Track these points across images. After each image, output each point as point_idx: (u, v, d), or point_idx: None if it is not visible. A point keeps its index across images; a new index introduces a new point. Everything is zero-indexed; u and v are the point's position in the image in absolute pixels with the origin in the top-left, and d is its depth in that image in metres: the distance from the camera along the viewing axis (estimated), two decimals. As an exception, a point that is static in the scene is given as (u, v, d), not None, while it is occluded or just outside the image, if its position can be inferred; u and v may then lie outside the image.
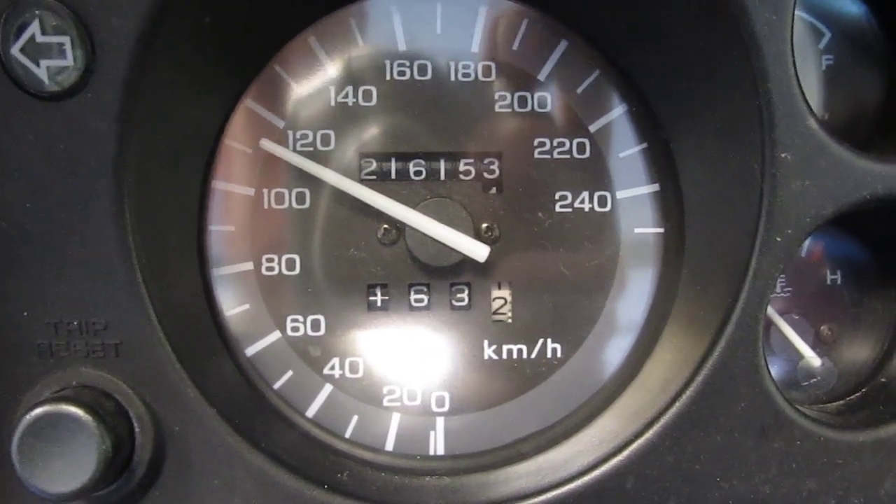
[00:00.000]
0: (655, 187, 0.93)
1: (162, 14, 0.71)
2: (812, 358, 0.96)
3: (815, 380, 0.97)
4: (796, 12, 0.91)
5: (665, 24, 0.83)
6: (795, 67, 0.76)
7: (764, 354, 0.81)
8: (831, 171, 0.78)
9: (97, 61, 0.71)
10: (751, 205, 0.79)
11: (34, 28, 0.68)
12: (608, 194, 0.94)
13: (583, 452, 0.86)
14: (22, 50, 0.69)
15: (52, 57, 0.70)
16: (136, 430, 0.76)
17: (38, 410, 0.70)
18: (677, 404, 0.81)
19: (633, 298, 0.95)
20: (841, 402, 0.95)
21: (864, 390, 0.95)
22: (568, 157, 0.93)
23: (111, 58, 0.71)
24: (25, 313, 0.75)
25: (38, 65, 0.70)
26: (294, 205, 0.92)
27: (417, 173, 0.93)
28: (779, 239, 0.79)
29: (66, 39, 0.69)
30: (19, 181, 0.74)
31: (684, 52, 0.83)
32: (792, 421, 0.81)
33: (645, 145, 0.93)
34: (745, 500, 0.82)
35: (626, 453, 0.81)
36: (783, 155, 0.77)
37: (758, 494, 0.82)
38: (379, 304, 0.94)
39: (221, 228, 0.91)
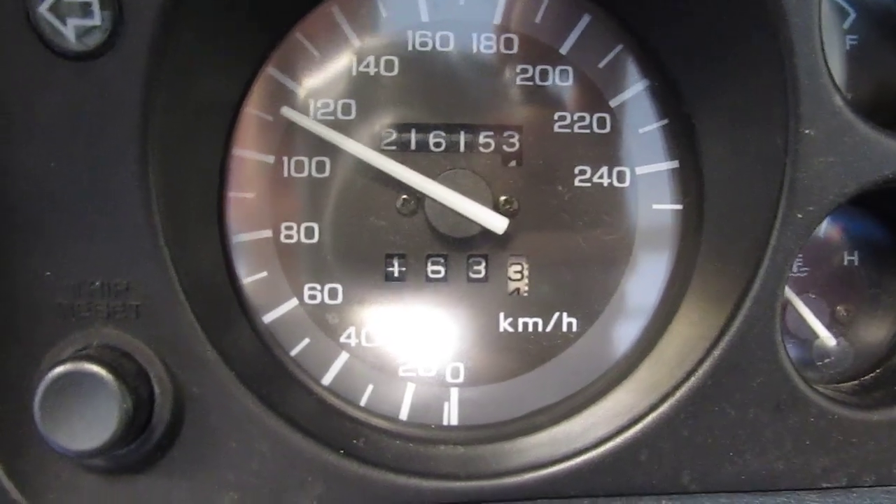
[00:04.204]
0: (675, 164, 0.94)
1: None
2: (827, 338, 0.97)
3: (829, 359, 0.98)
4: None
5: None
6: (822, 43, 0.75)
7: (781, 332, 0.81)
8: (855, 149, 0.78)
9: (124, 22, 0.71)
10: (772, 181, 0.80)
11: None
12: (627, 170, 0.94)
13: (597, 425, 0.86)
14: (50, 8, 0.69)
15: (79, 16, 0.70)
16: (156, 390, 0.77)
17: (60, 369, 0.71)
18: (693, 378, 0.82)
19: (649, 274, 0.96)
20: (855, 381, 0.96)
21: (878, 371, 0.96)
22: (588, 131, 0.94)
23: (138, 19, 0.71)
24: (48, 273, 0.76)
25: (65, 24, 0.70)
26: (314, 173, 0.92)
27: (437, 144, 0.93)
28: (800, 216, 0.79)
29: (93, 2, 0.69)
30: (44, 141, 0.74)
31: (709, 27, 0.83)
32: (807, 399, 0.82)
33: (665, 121, 0.94)
34: (758, 475, 0.82)
35: (640, 426, 0.82)
36: (807, 131, 0.77)
37: (771, 470, 0.82)
38: (396, 274, 0.94)
39: (241, 195, 0.92)
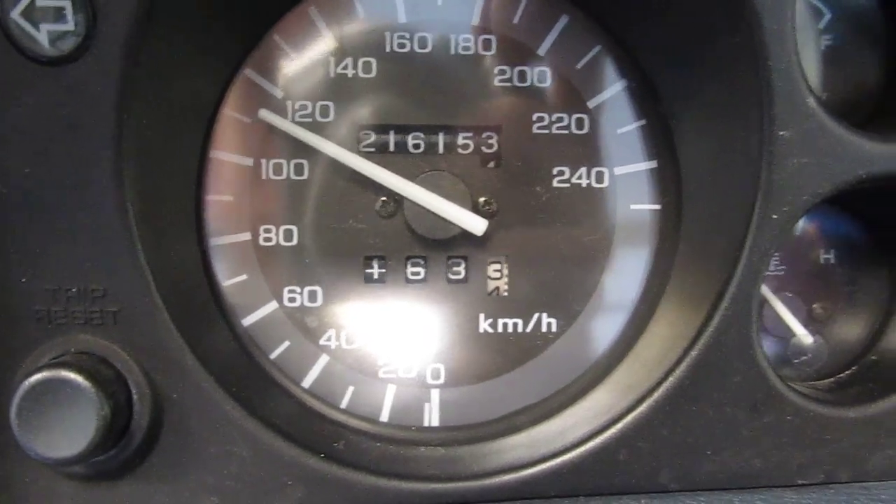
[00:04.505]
0: (653, 164, 0.94)
1: None
2: (804, 336, 0.98)
3: (806, 357, 0.99)
4: None
5: (665, 1, 0.83)
6: (796, 45, 0.76)
7: (757, 331, 0.82)
8: (829, 150, 0.79)
9: (97, 27, 0.71)
10: (748, 182, 0.80)
11: None
12: (606, 170, 0.94)
13: (577, 425, 0.87)
14: (22, 13, 0.69)
15: (52, 21, 0.70)
16: (135, 396, 0.77)
17: (37, 376, 0.71)
18: (671, 378, 0.82)
19: (628, 274, 0.96)
20: (832, 379, 0.97)
21: (854, 368, 0.97)
22: (566, 132, 0.94)
23: (111, 24, 0.71)
24: (24, 280, 0.76)
25: (38, 29, 0.70)
26: (292, 176, 0.92)
27: (416, 146, 0.93)
28: (775, 216, 0.80)
29: (66, 4, 0.69)
30: (19, 146, 0.74)
31: (686, 28, 0.84)
32: (783, 397, 0.83)
33: (643, 122, 0.94)
34: (736, 473, 0.83)
35: (619, 426, 0.82)
36: (782, 132, 0.78)
37: (749, 468, 0.83)
38: (376, 276, 0.94)
39: (219, 198, 0.92)
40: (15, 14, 0.69)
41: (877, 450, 0.85)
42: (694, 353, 0.82)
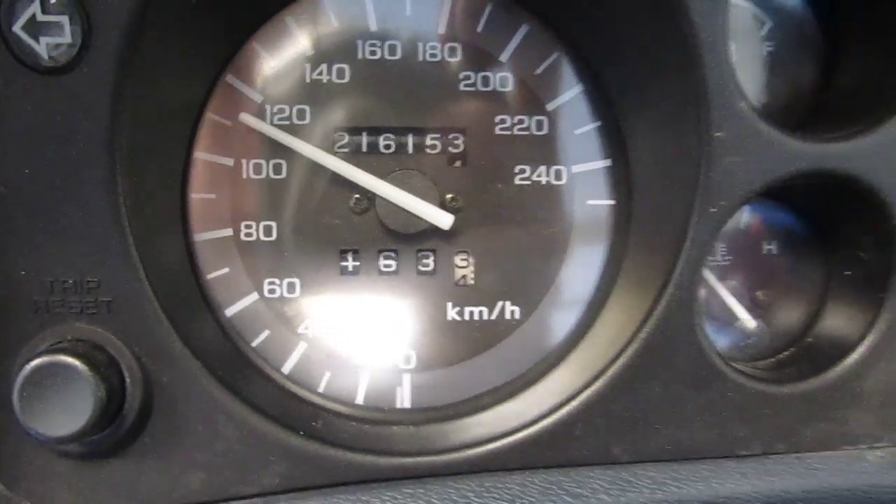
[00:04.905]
0: (608, 162, 0.96)
1: (153, 5, 0.73)
2: (747, 320, 1.01)
3: (750, 340, 1.02)
4: (742, 2, 0.97)
5: (614, 12, 0.86)
6: (729, 55, 0.79)
7: (700, 315, 0.85)
8: (760, 150, 0.81)
9: (92, 39, 0.72)
10: (689, 179, 0.83)
11: (35, 7, 0.70)
12: (564, 168, 0.96)
13: (537, 403, 0.89)
14: (23, 27, 0.71)
15: (51, 34, 0.72)
16: (127, 380, 0.79)
17: (37, 361, 0.73)
18: (621, 359, 0.85)
19: (585, 265, 0.98)
20: (772, 359, 1.00)
21: (793, 349, 0.99)
22: (527, 133, 0.96)
23: (104, 37, 0.72)
24: (23, 272, 0.77)
25: (37, 41, 0.71)
26: (271, 175, 0.93)
27: (387, 147, 0.94)
28: (713, 210, 0.82)
29: (64, 18, 0.71)
30: (19, 148, 0.75)
31: (632, 39, 0.86)
32: (724, 375, 0.85)
33: (598, 123, 0.96)
34: (681, 445, 0.85)
35: (574, 403, 0.85)
36: (717, 134, 0.81)
37: (693, 441, 0.85)
38: (350, 268, 0.95)
39: (203, 196, 0.93)
40: (17, 27, 0.70)
41: (810, 423, 0.88)
42: (642, 335, 0.84)
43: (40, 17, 0.71)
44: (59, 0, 0.71)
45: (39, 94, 0.74)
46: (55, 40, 0.72)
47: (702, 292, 0.96)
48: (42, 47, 0.72)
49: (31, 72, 0.73)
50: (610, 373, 0.85)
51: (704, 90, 0.80)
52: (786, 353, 1.00)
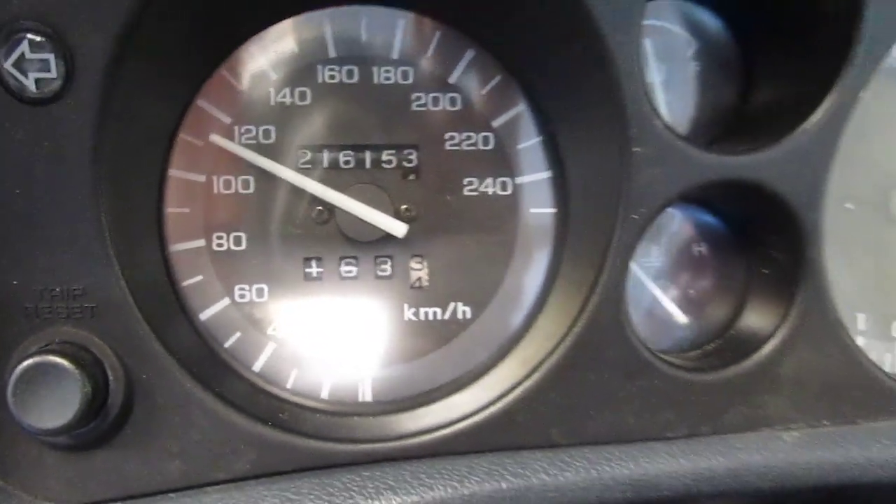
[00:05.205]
0: (549, 174, 1.00)
1: (129, 35, 0.76)
2: (679, 316, 1.06)
3: (680, 333, 1.07)
4: (671, 26, 1.01)
5: (543, 42, 0.90)
6: (644, 80, 0.83)
7: (627, 312, 0.88)
8: (674, 163, 0.85)
9: (76, 73, 0.75)
10: (614, 189, 0.87)
11: (24, 47, 0.73)
12: (509, 180, 0.99)
13: (483, 394, 0.92)
14: (14, 64, 0.74)
15: (38, 70, 0.74)
16: (110, 378, 0.81)
17: (29, 361, 0.75)
18: (558, 353, 0.88)
19: (529, 268, 1.01)
20: (699, 350, 1.03)
21: (718, 341, 1.03)
22: (474, 148, 0.98)
23: (87, 71, 0.76)
24: (15, 281, 0.79)
25: (26, 76, 0.74)
26: (240, 190, 0.95)
27: (346, 162, 0.96)
28: (635, 216, 0.86)
29: (50, 56, 0.74)
30: (10, 171, 0.77)
31: (561, 65, 0.90)
32: (652, 365, 0.89)
33: (540, 138, 0.99)
34: (614, 429, 0.89)
35: (516, 393, 0.88)
36: (635, 150, 0.84)
37: (624, 425, 0.89)
38: (314, 274, 0.98)
39: (177, 210, 0.94)
40: (7, 65, 0.74)
41: (731, 408, 0.91)
42: (575, 331, 0.88)
43: (28, 55, 0.74)
44: (44, 40, 0.73)
45: (28, 123, 0.76)
46: (42, 75, 0.75)
47: (642, 292, 1.04)
48: (30, 81, 0.75)
49: (21, 103, 0.76)
50: (547, 365, 0.88)
51: (623, 111, 0.84)
52: (711, 344, 1.03)
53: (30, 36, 0.74)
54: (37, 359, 0.76)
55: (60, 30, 0.75)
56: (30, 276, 0.80)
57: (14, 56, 0.74)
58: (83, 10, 0.75)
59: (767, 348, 0.93)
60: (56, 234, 0.80)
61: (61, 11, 0.74)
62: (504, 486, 0.84)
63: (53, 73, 0.75)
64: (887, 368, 1.08)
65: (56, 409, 0.76)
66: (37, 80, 0.76)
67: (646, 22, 0.96)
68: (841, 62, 0.87)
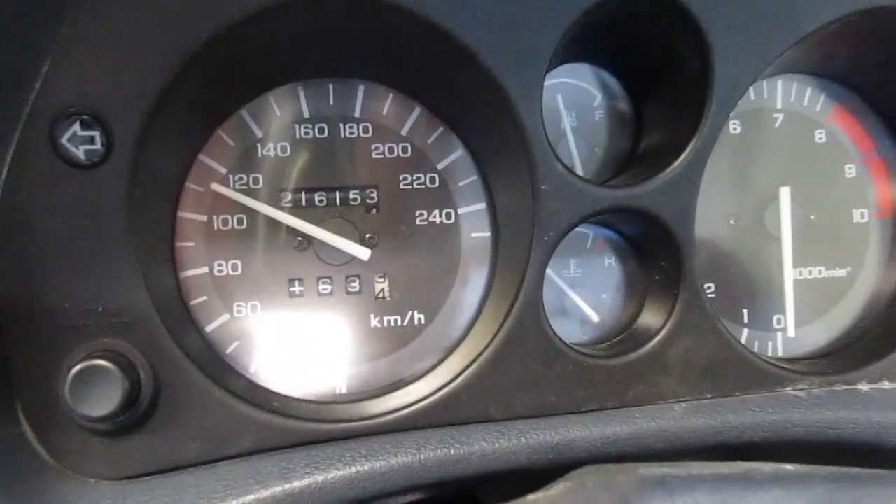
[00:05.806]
0: (483, 205, 1.11)
1: (153, 114, 0.87)
2: (593, 316, 1.18)
3: (593, 330, 1.18)
4: (580, 83, 1.15)
5: (470, 104, 1.01)
6: (545, 133, 0.94)
7: (544, 312, 0.98)
8: (573, 196, 0.97)
9: (114, 144, 0.86)
10: (529, 217, 0.98)
11: (76, 127, 0.85)
12: (453, 210, 1.09)
13: (435, 381, 1.03)
14: (68, 140, 0.86)
15: (86, 143, 0.85)
16: (142, 377, 0.90)
17: (80, 365, 0.85)
18: (491, 347, 0.99)
19: (472, 282, 1.11)
20: (608, 343, 1.14)
21: (623, 335, 1.14)
22: (423, 186, 1.09)
23: (123, 142, 0.86)
24: (67, 305, 0.88)
25: (77, 148, 0.85)
26: (236, 226, 1.05)
27: (320, 201, 1.06)
28: (546, 238, 0.97)
29: (96, 133, 0.85)
30: (61, 223, 0.87)
31: (484, 123, 1.01)
32: (567, 354, 1.00)
33: (475, 177, 1.11)
34: (538, 405, 0.99)
35: (461, 379, 0.99)
36: (542, 187, 0.96)
37: (547, 402, 0.99)
38: (297, 292, 1.07)
39: (186, 244, 1.04)
40: (63, 140, 0.85)
41: (631, 386, 1.02)
42: (505, 329, 0.99)
43: (79, 133, 0.85)
44: (90, 119, 0.85)
45: (77, 184, 0.86)
46: (89, 147, 0.86)
47: (563, 297, 1.14)
48: (80, 152, 0.86)
49: (71, 168, 0.86)
50: (484, 357, 0.99)
51: (533, 157, 0.95)
52: (618, 338, 1.14)
53: (81, 118, 0.86)
54: (86, 363, 0.86)
55: (102, 113, 0.86)
56: (77, 300, 0.89)
57: (68, 134, 0.86)
58: (119, 99, 0.86)
59: (658, 338, 1.04)
60: (97, 268, 0.89)
61: (103, 101, 0.86)
62: (452, 452, 0.93)
63: (98, 145, 0.86)
64: (770, 354, 1.22)
65: (102, 401, 0.86)
66: (85, 152, 0.86)
67: (560, 80, 1.16)
68: (700, 114, 1.01)
